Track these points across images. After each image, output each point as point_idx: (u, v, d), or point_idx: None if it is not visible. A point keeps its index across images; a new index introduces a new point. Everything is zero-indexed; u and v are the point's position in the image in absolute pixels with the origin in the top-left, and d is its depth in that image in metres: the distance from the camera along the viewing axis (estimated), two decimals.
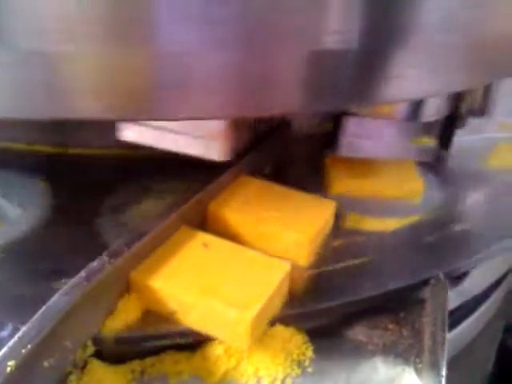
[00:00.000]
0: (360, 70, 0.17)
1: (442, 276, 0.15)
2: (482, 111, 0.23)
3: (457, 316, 0.21)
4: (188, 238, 0.17)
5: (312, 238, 0.17)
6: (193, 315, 0.15)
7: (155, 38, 0.14)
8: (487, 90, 0.26)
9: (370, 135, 0.22)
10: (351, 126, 0.22)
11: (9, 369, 0.11)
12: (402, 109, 0.24)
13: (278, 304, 0.15)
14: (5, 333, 0.13)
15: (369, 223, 0.20)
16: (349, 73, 0.17)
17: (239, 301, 0.14)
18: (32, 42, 0.13)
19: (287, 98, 0.16)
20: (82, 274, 0.13)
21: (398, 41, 0.17)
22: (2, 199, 0.20)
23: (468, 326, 0.22)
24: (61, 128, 0.24)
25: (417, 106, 0.24)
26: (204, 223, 0.19)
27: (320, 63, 0.16)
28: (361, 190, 0.22)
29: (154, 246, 0.16)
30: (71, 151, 0.24)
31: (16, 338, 0.12)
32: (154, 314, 0.15)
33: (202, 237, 0.17)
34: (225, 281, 0.15)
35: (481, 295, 0.22)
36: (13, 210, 0.20)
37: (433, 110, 0.24)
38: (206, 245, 0.16)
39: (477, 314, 0.22)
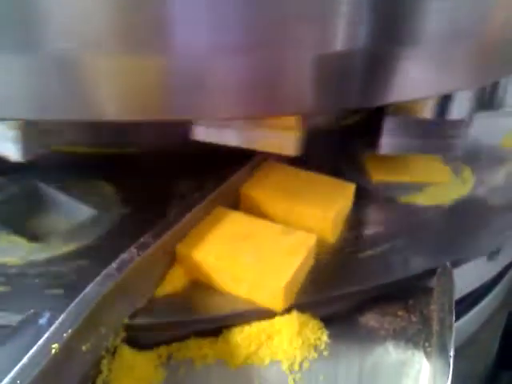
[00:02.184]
0: (372, 72, 0.18)
1: (448, 265, 0.16)
2: (491, 104, 0.24)
3: (463, 306, 0.22)
4: (223, 216, 0.19)
5: (334, 215, 0.19)
6: (232, 284, 0.16)
7: (175, 45, 0.15)
8: (495, 85, 0.27)
9: (407, 135, 0.24)
10: (391, 126, 0.24)
11: (53, 351, 0.12)
12: (431, 108, 0.25)
13: (305, 271, 0.17)
14: (43, 320, 0.14)
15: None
16: (361, 75, 0.17)
17: (273, 269, 0.16)
18: (60, 46, 0.14)
19: (301, 99, 0.17)
20: (113, 265, 0.14)
21: (405, 45, 0.18)
22: (77, 201, 0.22)
23: (474, 316, 0.23)
24: (121, 130, 0.25)
25: (444, 106, 0.25)
26: (237, 204, 0.21)
27: (330, 67, 0.16)
28: (397, 177, 0.25)
29: (194, 223, 0.18)
30: (131, 152, 0.25)
31: (57, 323, 0.13)
32: (200, 284, 0.17)
33: (235, 215, 0.19)
34: (259, 252, 0.17)
35: (486, 286, 0.22)
36: (88, 212, 0.21)
37: (458, 110, 0.25)
38: (239, 221, 0.18)
39: (482, 303, 0.23)
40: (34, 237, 0.19)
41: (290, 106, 0.18)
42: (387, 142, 0.25)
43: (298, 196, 0.20)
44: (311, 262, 0.17)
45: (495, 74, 0.23)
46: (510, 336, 0.17)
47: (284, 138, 0.22)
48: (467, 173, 0.26)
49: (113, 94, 0.16)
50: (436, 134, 0.26)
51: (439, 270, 0.16)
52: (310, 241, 0.17)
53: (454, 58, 0.20)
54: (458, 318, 0.22)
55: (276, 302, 0.15)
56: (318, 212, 0.19)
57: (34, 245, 0.19)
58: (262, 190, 0.20)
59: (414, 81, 0.19)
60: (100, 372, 0.14)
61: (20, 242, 0.19)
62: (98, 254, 0.18)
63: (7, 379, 0.12)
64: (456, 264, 0.17)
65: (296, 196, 0.20)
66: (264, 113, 0.18)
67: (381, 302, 0.16)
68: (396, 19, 0.18)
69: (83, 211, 0.21)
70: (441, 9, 0.18)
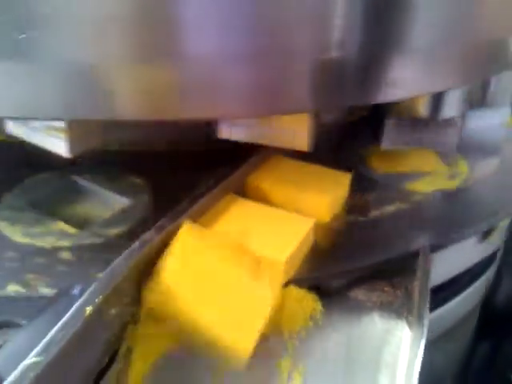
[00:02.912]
0: (364, 74, 0.20)
1: (427, 248, 0.18)
2: (480, 103, 0.26)
3: (442, 296, 0.24)
4: (233, 202, 0.21)
5: (330, 200, 0.21)
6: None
7: (188, 55, 0.17)
8: (484, 85, 0.29)
9: (406, 132, 0.27)
10: (392, 124, 0.26)
11: (87, 312, 0.14)
12: (427, 106, 0.28)
13: (304, 251, 0.19)
14: (76, 291, 0.16)
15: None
16: (355, 77, 0.20)
17: (276, 247, 0.18)
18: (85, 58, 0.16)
19: (300, 99, 0.19)
20: (136, 243, 0.17)
21: (394, 48, 0.20)
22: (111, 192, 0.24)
23: (454, 307, 0.25)
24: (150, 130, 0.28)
25: (437, 105, 0.27)
26: (244, 192, 0.23)
27: (327, 70, 0.18)
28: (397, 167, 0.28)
29: (206, 208, 0.20)
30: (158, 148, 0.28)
31: (89, 291, 0.15)
32: None
33: (243, 201, 0.21)
34: (264, 234, 0.19)
35: (467, 279, 0.25)
36: (120, 200, 0.24)
37: (450, 109, 0.28)
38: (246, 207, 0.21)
39: (463, 295, 0.25)
40: (78, 225, 0.22)
41: (292, 105, 0.20)
42: (388, 138, 0.27)
43: (299, 185, 0.22)
44: (310, 242, 0.20)
45: (482, 73, 0.24)
46: (488, 306, 0.18)
47: (297, 134, 0.24)
48: (462, 164, 0.28)
49: (134, 96, 0.18)
50: (431, 131, 0.28)
51: (421, 253, 0.18)
52: (309, 224, 0.19)
53: (442, 60, 0.22)
54: (445, 302, 0.24)
55: (277, 277, 0.17)
56: (315, 198, 0.21)
57: (80, 231, 0.21)
58: (265, 180, 0.23)
59: (405, 81, 0.21)
60: (124, 339, 0.17)
61: (68, 228, 0.21)
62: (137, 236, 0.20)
63: (46, 339, 0.14)
64: (437, 247, 0.19)
65: (296, 185, 0.22)
66: (269, 112, 0.20)
67: (370, 279, 0.18)
68: (387, 27, 0.20)
69: (118, 201, 0.23)
70: (429, 17, 0.20)
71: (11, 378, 0.13)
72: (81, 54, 0.16)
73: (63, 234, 0.21)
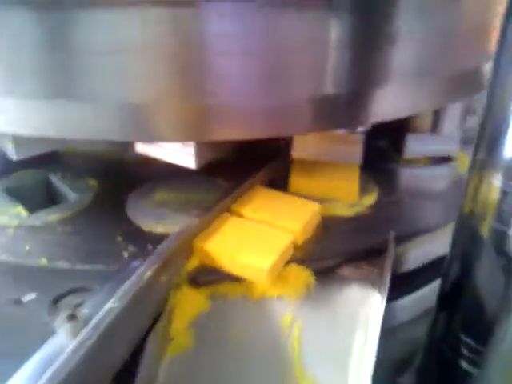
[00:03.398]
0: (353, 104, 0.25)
1: (392, 238, 0.24)
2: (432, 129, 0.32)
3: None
4: (226, 220, 0.26)
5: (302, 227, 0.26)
6: (232, 266, 0.24)
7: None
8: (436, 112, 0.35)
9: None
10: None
11: (146, 277, 0.20)
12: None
13: (285, 258, 0.24)
14: (135, 264, 0.22)
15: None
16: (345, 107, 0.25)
17: (261, 256, 0.23)
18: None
19: (301, 123, 0.25)
20: (180, 229, 0.23)
21: (377, 83, 0.26)
22: (66, 186, 0.32)
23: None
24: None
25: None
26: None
27: (322, 104, 0.24)
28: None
29: (207, 223, 0.25)
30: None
31: (146, 262, 0.21)
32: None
33: (236, 219, 0.26)
34: (252, 245, 0.24)
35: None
36: (71, 194, 0.32)
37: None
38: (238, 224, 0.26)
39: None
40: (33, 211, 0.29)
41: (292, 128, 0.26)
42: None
43: (275, 213, 0.27)
44: (290, 250, 0.24)
45: (444, 100, 0.30)
46: (447, 280, 0.24)
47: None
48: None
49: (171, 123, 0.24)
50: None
51: (390, 242, 0.24)
52: (288, 237, 0.24)
53: (415, 90, 0.27)
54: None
55: (263, 279, 0.23)
56: (291, 225, 0.26)
57: (29, 215, 0.29)
58: (247, 209, 0.27)
59: (388, 106, 0.27)
60: (167, 301, 0.22)
61: (22, 212, 0.29)
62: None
63: (118, 293, 0.20)
64: (401, 239, 0.25)
65: (273, 213, 0.27)
66: (275, 133, 0.26)
67: (353, 260, 0.24)
68: (369, 67, 0.26)
69: (70, 195, 0.32)
70: (405, 58, 0.26)
71: (97, 317, 0.19)
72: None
73: (16, 216, 0.28)
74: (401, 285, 0.27)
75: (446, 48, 0.27)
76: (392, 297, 0.25)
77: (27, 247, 0.26)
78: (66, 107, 0.23)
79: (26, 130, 0.24)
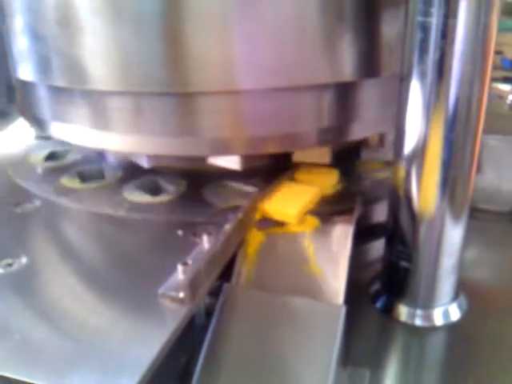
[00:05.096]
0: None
1: (358, 202, 0.46)
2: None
3: None
4: (271, 194, 0.48)
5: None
6: (277, 215, 0.45)
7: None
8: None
9: None
10: None
11: (238, 219, 0.42)
12: None
13: (308, 207, 0.46)
14: (230, 215, 0.44)
15: None
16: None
17: (292, 208, 0.45)
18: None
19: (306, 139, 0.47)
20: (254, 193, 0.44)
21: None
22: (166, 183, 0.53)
23: None
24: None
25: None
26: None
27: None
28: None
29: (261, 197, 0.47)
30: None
31: (237, 213, 0.43)
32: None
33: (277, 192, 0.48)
34: (288, 202, 0.46)
35: None
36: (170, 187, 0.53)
37: None
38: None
39: None
40: None
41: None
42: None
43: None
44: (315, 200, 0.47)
45: None
46: (389, 222, 0.45)
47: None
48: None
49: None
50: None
51: (356, 203, 0.46)
52: (314, 190, 0.47)
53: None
54: None
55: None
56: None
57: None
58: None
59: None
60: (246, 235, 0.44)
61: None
62: None
63: (227, 225, 0.42)
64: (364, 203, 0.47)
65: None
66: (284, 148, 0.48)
67: (338, 213, 0.45)
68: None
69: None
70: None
71: (219, 235, 0.40)
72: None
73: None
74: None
75: None
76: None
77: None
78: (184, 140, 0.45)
79: (154, 151, 0.46)
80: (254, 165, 0.48)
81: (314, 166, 0.53)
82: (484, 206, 0.62)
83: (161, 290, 0.34)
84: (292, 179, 0.51)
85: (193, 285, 0.33)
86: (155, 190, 0.53)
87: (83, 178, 0.54)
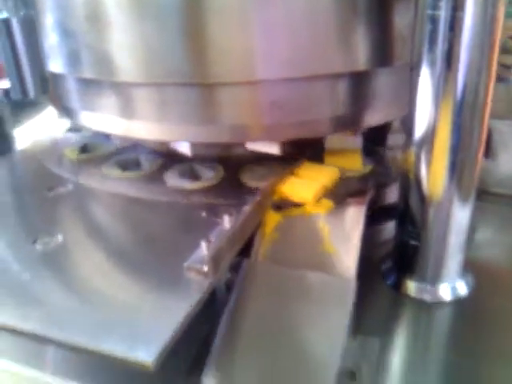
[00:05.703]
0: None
1: (371, 184, 0.48)
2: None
3: None
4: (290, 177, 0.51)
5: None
6: (294, 197, 0.48)
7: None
8: None
9: None
10: None
11: (256, 202, 0.45)
12: None
13: (324, 190, 0.49)
14: (249, 198, 0.47)
15: None
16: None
17: (308, 191, 0.48)
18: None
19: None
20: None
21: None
22: (204, 169, 0.56)
23: None
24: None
25: None
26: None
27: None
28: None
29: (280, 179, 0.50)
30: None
31: (255, 196, 0.46)
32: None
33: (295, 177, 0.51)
34: (304, 186, 0.49)
35: None
36: (207, 172, 0.55)
37: None
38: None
39: None
40: None
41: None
42: None
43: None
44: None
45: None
46: (401, 203, 0.47)
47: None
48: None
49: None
50: None
51: (369, 185, 0.48)
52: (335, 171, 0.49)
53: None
54: None
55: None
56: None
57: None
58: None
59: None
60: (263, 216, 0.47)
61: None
62: None
63: (246, 206, 0.45)
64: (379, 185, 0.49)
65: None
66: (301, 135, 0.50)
67: (353, 195, 0.48)
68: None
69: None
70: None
71: (239, 215, 0.43)
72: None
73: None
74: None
75: None
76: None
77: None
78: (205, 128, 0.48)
79: (177, 138, 0.49)
80: (292, 151, 0.51)
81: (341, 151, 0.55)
82: (496, 189, 0.64)
83: (186, 264, 0.37)
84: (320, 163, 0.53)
85: (215, 259, 0.36)
86: (194, 177, 0.55)
87: (122, 167, 0.57)
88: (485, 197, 0.62)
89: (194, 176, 0.55)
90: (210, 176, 0.54)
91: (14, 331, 0.33)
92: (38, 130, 0.67)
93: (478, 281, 0.49)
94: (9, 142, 0.63)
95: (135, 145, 0.61)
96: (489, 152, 0.61)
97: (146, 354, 0.30)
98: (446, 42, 0.37)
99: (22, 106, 0.68)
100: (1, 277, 0.39)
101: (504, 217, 0.61)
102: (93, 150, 0.62)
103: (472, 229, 0.48)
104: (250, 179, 0.53)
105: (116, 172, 0.55)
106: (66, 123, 0.68)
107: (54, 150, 0.63)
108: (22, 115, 0.68)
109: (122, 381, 0.39)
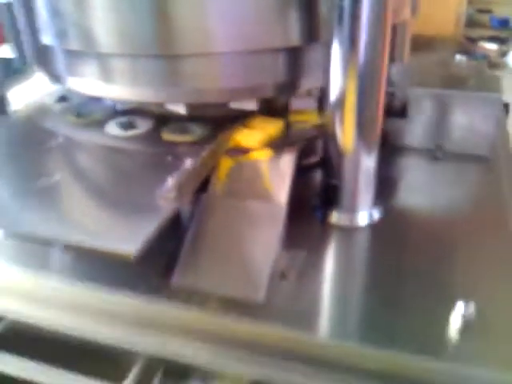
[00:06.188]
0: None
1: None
2: None
3: None
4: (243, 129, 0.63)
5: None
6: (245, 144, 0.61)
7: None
8: None
9: None
10: None
11: (212, 148, 0.57)
12: None
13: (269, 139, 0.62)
14: (210, 145, 0.59)
15: None
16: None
17: (256, 136, 0.61)
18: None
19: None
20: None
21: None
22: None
23: None
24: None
25: None
26: None
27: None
28: None
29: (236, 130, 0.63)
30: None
31: (212, 144, 0.58)
32: None
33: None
34: (254, 134, 0.62)
35: None
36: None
37: None
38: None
39: None
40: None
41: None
42: None
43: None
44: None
45: None
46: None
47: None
48: None
49: None
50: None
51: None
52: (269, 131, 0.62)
53: None
54: None
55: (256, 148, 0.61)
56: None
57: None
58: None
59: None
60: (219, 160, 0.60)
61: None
62: None
63: (205, 151, 0.57)
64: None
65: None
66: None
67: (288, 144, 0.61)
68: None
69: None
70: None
71: (198, 157, 0.56)
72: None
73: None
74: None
75: None
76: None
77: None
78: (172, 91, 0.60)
79: (145, 99, 0.61)
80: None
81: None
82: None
83: (157, 193, 0.50)
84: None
85: (179, 189, 0.49)
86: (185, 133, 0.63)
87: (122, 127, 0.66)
88: (405, 151, 0.77)
89: (185, 132, 0.63)
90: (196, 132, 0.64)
91: (31, 238, 0.46)
92: (27, 94, 0.78)
93: (390, 214, 0.63)
94: (3, 103, 0.73)
95: (131, 109, 0.71)
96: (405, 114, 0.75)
97: (129, 248, 0.43)
98: (349, 26, 0.50)
99: (11, 72, 0.78)
100: (14, 202, 0.51)
101: (420, 167, 0.76)
102: (86, 115, 0.72)
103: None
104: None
105: (116, 131, 0.66)
106: (53, 87, 0.78)
107: (45, 111, 0.73)
108: (11, 81, 0.79)
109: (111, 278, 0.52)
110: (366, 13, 0.49)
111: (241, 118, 0.63)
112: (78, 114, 0.67)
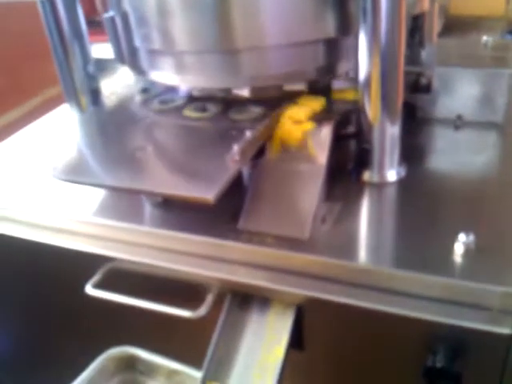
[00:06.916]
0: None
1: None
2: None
3: None
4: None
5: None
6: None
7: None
8: None
9: None
10: None
11: (274, 116, 0.73)
12: None
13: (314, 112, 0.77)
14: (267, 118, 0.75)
15: None
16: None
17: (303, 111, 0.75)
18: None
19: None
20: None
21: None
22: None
23: None
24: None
25: None
26: None
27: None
28: None
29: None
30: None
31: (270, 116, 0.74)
32: None
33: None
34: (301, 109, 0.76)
35: None
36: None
37: None
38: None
39: None
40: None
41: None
42: None
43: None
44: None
45: None
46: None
47: None
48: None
49: None
50: None
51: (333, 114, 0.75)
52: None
53: None
54: None
55: None
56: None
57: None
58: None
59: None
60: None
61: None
62: None
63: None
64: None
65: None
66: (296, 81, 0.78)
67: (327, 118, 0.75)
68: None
69: None
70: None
71: (254, 131, 0.71)
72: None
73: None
74: None
75: None
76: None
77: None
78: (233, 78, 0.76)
79: (212, 85, 0.77)
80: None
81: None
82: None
83: (226, 156, 0.66)
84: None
85: (242, 153, 0.65)
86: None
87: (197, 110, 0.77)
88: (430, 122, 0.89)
89: (247, 112, 0.73)
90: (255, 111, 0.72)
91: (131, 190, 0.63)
92: (115, 87, 0.96)
93: (416, 173, 0.76)
94: (97, 95, 0.92)
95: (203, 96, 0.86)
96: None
97: (208, 194, 0.59)
98: (371, 21, 0.63)
99: (101, 70, 0.97)
100: (116, 165, 0.69)
101: (442, 135, 0.88)
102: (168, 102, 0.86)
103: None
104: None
105: (192, 113, 0.75)
106: (133, 81, 0.96)
107: (131, 100, 0.91)
108: (101, 77, 0.97)
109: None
110: (384, 10, 0.62)
111: (291, 98, 0.76)
112: (161, 102, 0.84)
